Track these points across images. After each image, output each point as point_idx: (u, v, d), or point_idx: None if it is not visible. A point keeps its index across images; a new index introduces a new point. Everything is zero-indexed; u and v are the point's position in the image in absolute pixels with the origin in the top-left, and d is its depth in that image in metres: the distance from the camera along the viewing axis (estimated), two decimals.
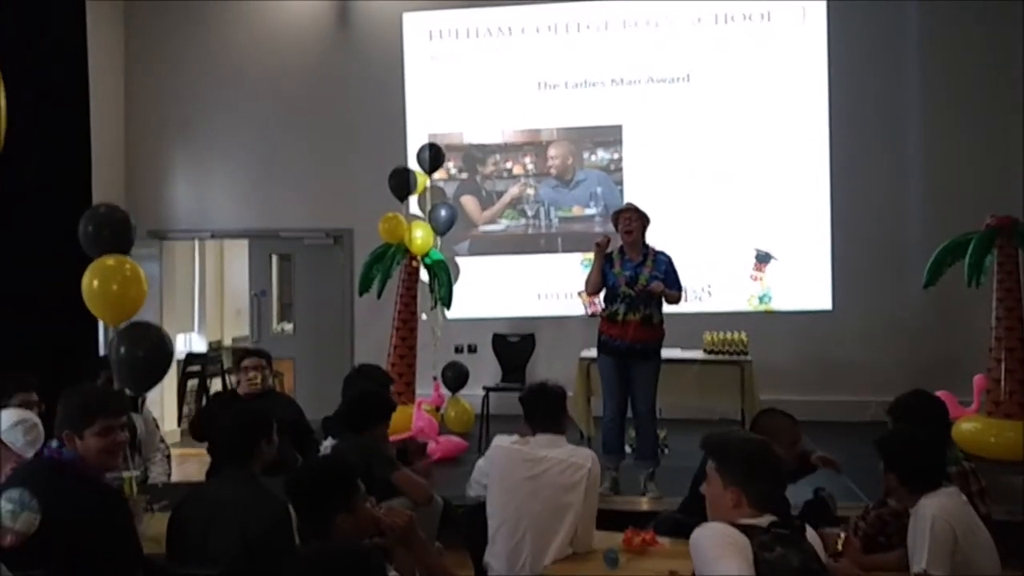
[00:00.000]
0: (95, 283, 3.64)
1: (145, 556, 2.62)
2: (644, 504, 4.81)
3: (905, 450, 2.59)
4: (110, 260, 3.68)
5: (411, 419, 6.41)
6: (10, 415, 3.20)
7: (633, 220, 4.94)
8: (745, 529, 1.95)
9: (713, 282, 7.69)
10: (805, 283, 7.63)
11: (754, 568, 1.84)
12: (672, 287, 4.89)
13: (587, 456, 3.03)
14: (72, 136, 6.37)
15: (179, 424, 8.21)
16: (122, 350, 3.59)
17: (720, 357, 5.98)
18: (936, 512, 2.43)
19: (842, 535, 2.72)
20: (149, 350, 3.65)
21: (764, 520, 2.00)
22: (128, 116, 8.50)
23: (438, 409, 6.81)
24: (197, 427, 4.46)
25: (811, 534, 2.06)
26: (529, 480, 2.94)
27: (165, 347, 3.73)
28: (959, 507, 2.48)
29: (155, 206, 8.40)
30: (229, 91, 8.35)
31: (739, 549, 1.89)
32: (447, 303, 6.98)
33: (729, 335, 6.08)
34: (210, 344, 9.29)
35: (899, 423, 2.91)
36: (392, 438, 5.98)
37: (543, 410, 3.13)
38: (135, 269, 3.73)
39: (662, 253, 4.99)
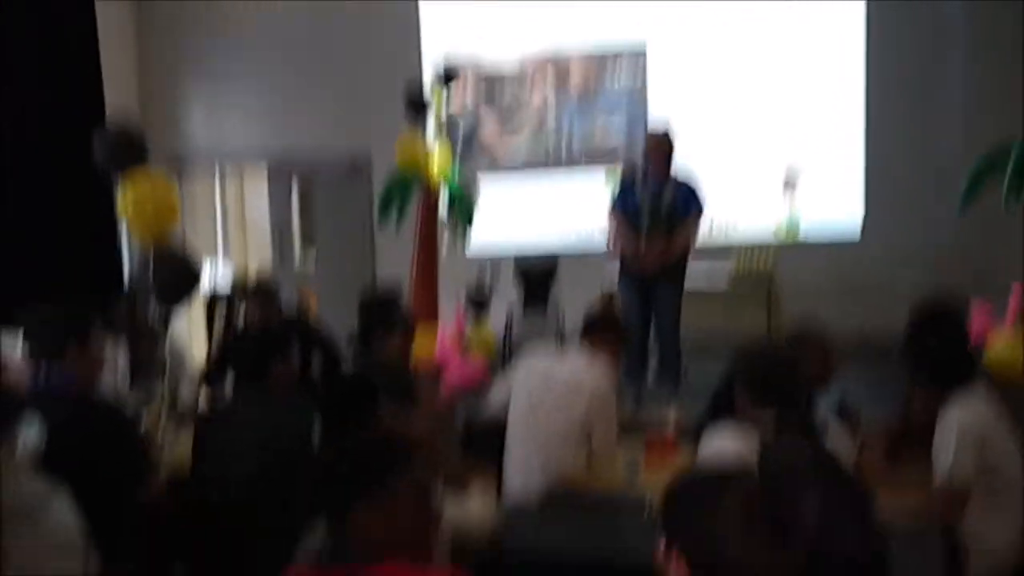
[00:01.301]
0: (130, 200, 3.58)
1: (168, 477, 2.65)
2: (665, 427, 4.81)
3: (930, 351, 2.54)
4: (147, 176, 3.62)
5: (434, 345, 6.45)
6: None
7: (664, 145, 4.88)
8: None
9: (739, 209, 7.52)
10: (835, 208, 7.44)
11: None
12: (693, 206, 4.86)
13: (597, 375, 3.00)
14: (81, 61, 6.28)
15: (208, 356, 8.33)
16: (151, 268, 3.60)
17: (746, 286, 5.90)
18: (962, 416, 2.38)
19: (859, 443, 2.69)
20: (177, 268, 3.66)
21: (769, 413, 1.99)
22: (140, 42, 8.40)
23: (461, 335, 6.84)
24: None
25: (836, 431, 2.04)
26: (543, 394, 2.94)
27: (194, 265, 3.75)
28: (987, 411, 2.42)
29: (171, 133, 8.36)
30: (242, 14, 8.18)
31: (741, 438, 1.90)
32: (468, 227, 6.93)
33: (756, 263, 5.98)
34: (235, 275, 9.35)
35: (915, 327, 2.86)
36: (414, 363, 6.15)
37: (592, 331, 3.16)
38: (168, 186, 3.70)
39: (683, 181, 4.96)
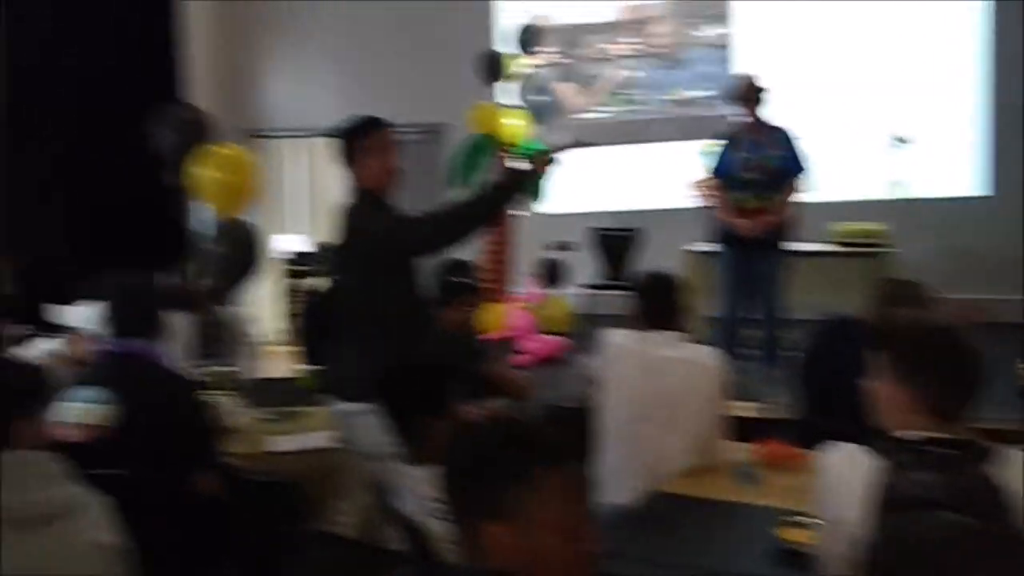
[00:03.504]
0: (210, 171, 3.55)
1: (225, 460, 2.43)
2: (765, 412, 4.36)
3: None
4: (225, 148, 3.66)
5: (505, 317, 6.12)
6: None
7: (755, 89, 4.41)
8: (889, 448, 1.50)
9: (840, 169, 6.88)
10: (948, 168, 6.72)
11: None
12: (793, 164, 4.39)
13: (714, 356, 2.60)
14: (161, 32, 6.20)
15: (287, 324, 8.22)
16: (214, 246, 3.51)
17: (854, 249, 5.34)
18: None
19: None
20: (241, 247, 3.58)
21: (928, 433, 1.50)
22: (221, 15, 8.26)
23: (534, 309, 6.48)
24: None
25: (1014, 456, 1.53)
26: (649, 382, 2.53)
27: (258, 245, 3.72)
28: None
29: (253, 106, 8.26)
30: None
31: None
32: (540, 194, 6.55)
33: (864, 225, 5.41)
34: (320, 245, 9.22)
35: None
36: (485, 336, 5.82)
37: (661, 301, 2.68)
38: (251, 158, 3.77)
39: (779, 128, 4.48)
